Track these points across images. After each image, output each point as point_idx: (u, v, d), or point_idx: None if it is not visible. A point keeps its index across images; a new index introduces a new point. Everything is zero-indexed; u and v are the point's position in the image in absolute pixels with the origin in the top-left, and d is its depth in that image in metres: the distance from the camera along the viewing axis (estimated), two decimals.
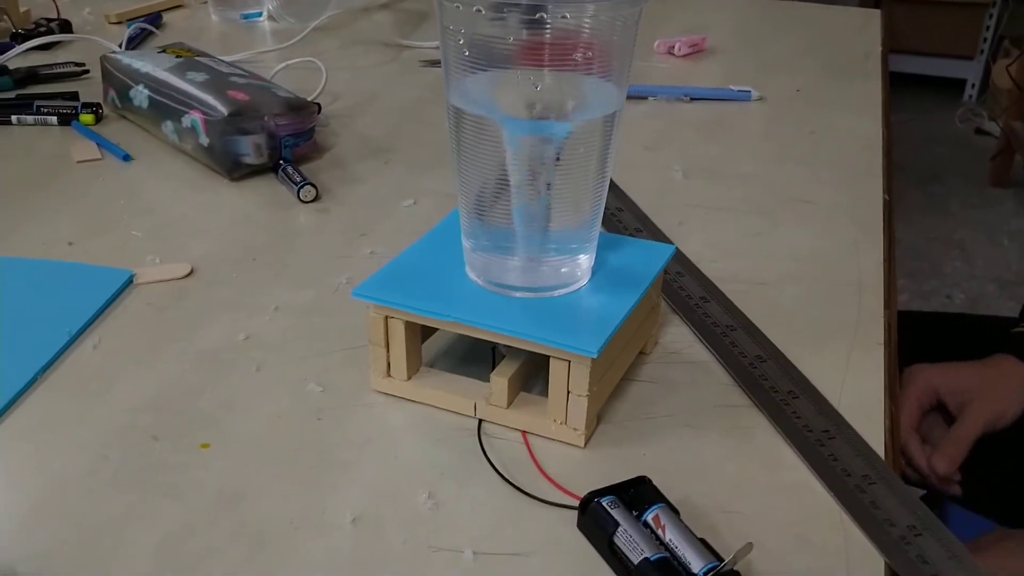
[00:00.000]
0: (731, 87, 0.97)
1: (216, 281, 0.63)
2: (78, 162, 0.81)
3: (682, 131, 0.89)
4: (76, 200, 0.74)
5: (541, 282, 0.49)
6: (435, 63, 1.06)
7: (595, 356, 0.45)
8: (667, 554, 0.40)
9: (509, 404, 0.50)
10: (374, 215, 0.72)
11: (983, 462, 0.82)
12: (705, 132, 0.89)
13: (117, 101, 0.86)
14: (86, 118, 0.87)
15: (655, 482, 0.44)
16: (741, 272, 0.65)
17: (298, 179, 0.74)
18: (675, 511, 0.43)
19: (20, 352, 0.55)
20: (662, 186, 0.78)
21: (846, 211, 0.74)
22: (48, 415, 0.51)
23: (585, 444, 0.49)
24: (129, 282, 0.63)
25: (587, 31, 0.43)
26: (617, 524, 0.41)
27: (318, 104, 0.83)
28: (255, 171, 0.77)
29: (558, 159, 0.46)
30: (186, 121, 0.77)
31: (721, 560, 0.40)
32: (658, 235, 0.69)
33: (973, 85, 3.26)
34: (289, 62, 0.97)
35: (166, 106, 0.79)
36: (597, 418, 0.50)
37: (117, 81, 0.84)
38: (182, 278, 0.63)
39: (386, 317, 0.50)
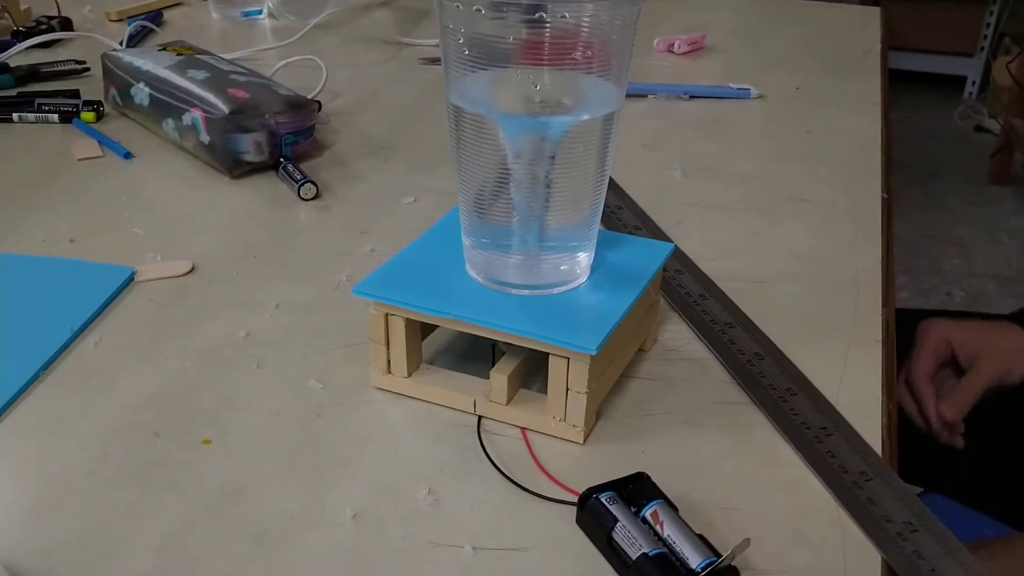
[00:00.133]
0: (730, 85, 0.97)
1: (217, 278, 0.64)
2: (79, 160, 0.81)
3: (681, 129, 0.89)
4: (77, 198, 0.75)
5: (540, 279, 0.50)
6: (435, 61, 1.06)
7: (594, 353, 0.45)
8: (665, 550, 0.41)
9: (509, 401, 0.50)
10: (374, 213, 0.73)
11: (986, 418, 0.84)
12: (704, 130, 0.89)
13: (118, 99, 0.86)
14: (87, 116, 0.87)
15: (654, 478, 0.44)
16: (740, 270, 0.65)
17: (298, 177, 0.74)
18: (673, 507, 0.43)
19: (22, 349, 0.55)
20: (661, 184, 0.78)
21: (844, 209, 0.74)
22: (50, 412, 0.51)
23: (584, 441, 0.49)
24: (130, 279, 0.63)
25: (586, 30, 0.43)
26: (616, 520, 0.42)
27: (318, 102, 0.83)
28: (256, 169, 0.78)
29: (556, 157, 0.46)
30: (187, 119, 0.77)
31: (719, 556, 0.40)
32: (657, 233, 0.69)
33: (973, 82, 3.26)
34: (289, 60, 0.97)
35: (167, 104, 0.79)
36: (596, 415, 0.50)
37: (118, 79, 0.85)
38: (183, 275, 0.64)
39: (386, 314, 0.50)
